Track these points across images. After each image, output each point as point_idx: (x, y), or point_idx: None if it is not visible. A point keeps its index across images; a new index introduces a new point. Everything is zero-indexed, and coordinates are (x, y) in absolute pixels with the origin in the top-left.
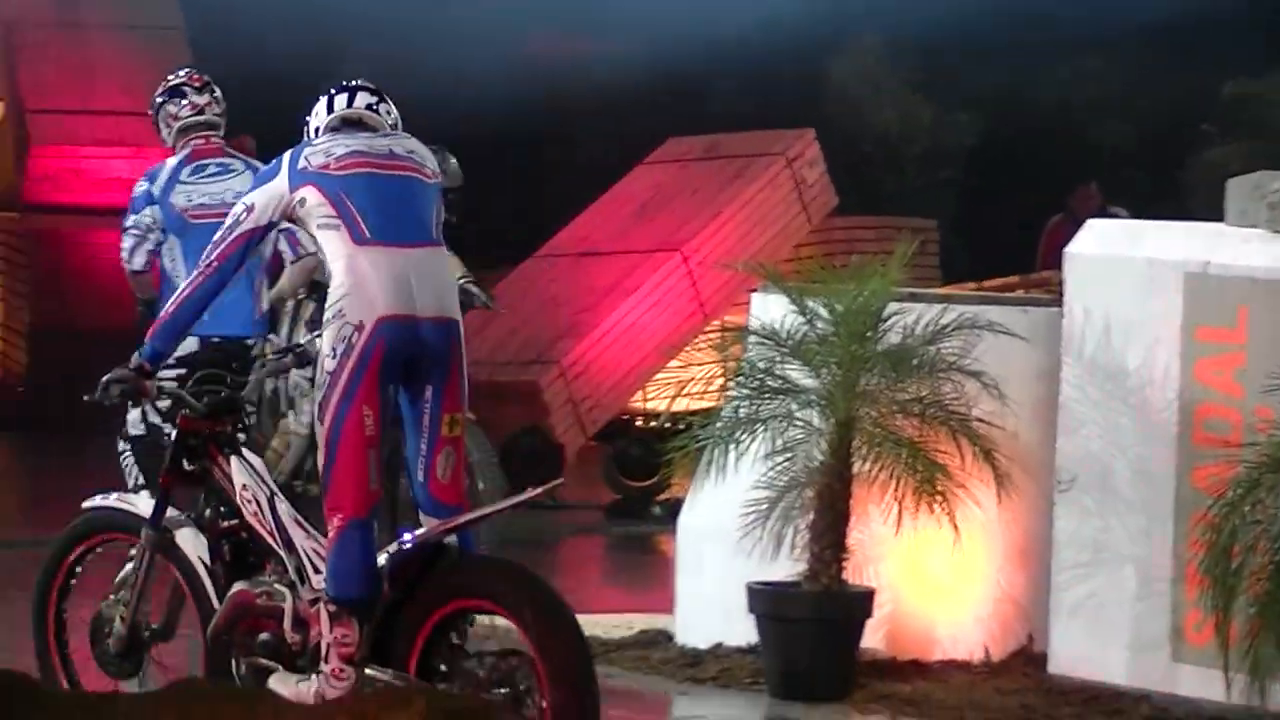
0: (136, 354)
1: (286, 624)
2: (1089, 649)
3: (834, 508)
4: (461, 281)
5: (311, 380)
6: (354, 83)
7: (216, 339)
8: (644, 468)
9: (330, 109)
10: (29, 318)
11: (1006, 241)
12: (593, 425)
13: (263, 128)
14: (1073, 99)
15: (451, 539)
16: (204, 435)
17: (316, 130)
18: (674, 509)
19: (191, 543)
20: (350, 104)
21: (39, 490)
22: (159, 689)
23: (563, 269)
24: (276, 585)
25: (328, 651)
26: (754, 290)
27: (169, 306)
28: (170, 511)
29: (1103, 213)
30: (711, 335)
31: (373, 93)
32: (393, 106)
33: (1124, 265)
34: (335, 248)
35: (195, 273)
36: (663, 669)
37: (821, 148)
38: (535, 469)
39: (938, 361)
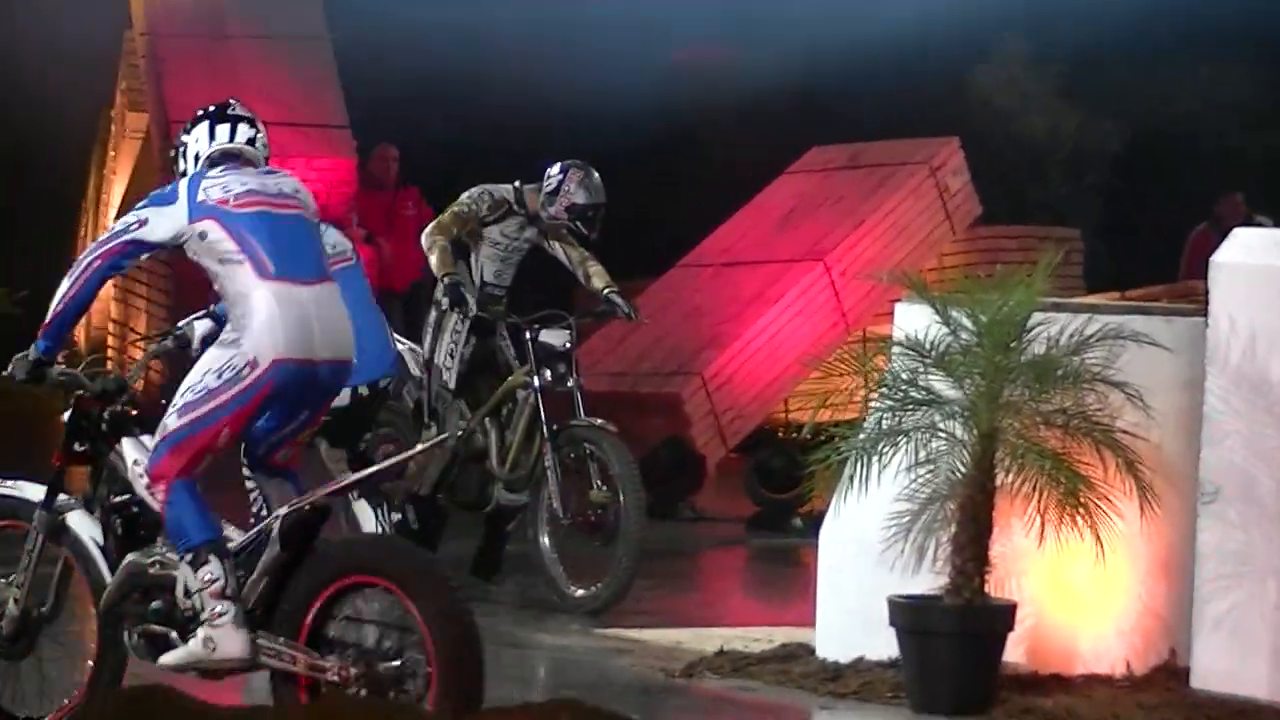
0: (34, 347)
1: (179, 591)
2: (1231, 663)
3: (976, 520)
4: (606, 292)
5: (453, 391)
6: (233, 112)
7: (363, 389)
8: (785, 480)
9: (212, 138)
10: (170, 328)
11: (1151, 250)
12: (734, 437)
13: (409, 138)
14: (1219, 106)
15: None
16: (97, 415)
17: (196, 157)
18: (815, 521)
19: (82, 523)
20: (232, 138)
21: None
22: (308, 704)
23: (706, 279)
24: (168, 555)
25: (203, 602)
26: (897, 300)
27: (56, 306)
28: (61, 496)
29: (1248, 222)
30: (854, 346)
31: (251, 124)
32: (266, 138)
33: (1270, 275)
34: (240, 282)
35: (78, 272)
36: (803, 682)
37: (965, 156)
38: (676, 480)
39: (1081, 372)
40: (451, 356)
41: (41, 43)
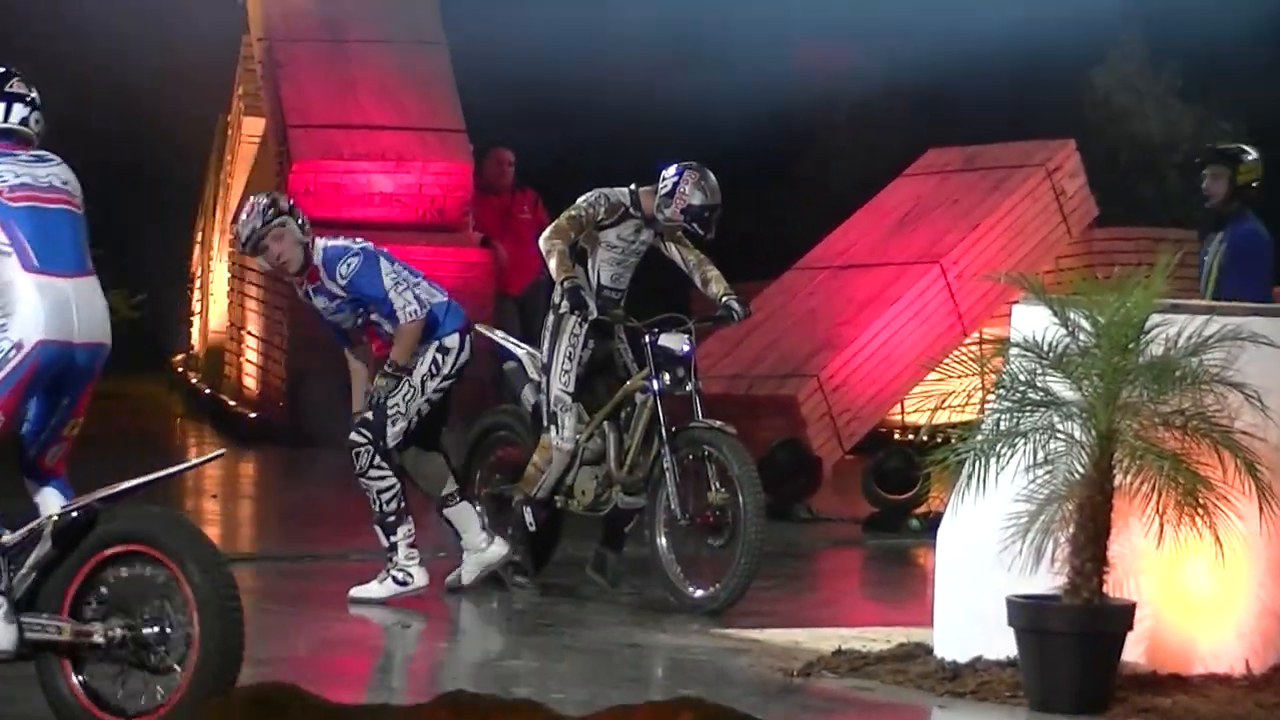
0: None
1: None
2: None
3: (1095, 521)
4: (725, 299)
5: (571, 395)
6: (9, 89)
7: None
8: (902, 481)
9: None
10: (288, 331)
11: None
12: (850, 438)
13: (524, 143)
14: None
15: None
16: None
17: None
18: (933, 522)
19: None
20: (7, 117)
21: (298, 505)
22: (430, 700)
23: (822, 281)
24: None
25: None
26: (1014, 302)
27: None
28: None
29: None
30: (971, 348)
31: (27, 103)
32: (41, 116)
33: None
34: (7, 272)
35: None
36: (921, 682)
37: (1082, 158)
38: (793, 482)
39: (1200, 373)
40: (570, 360)
41: (159, 50)
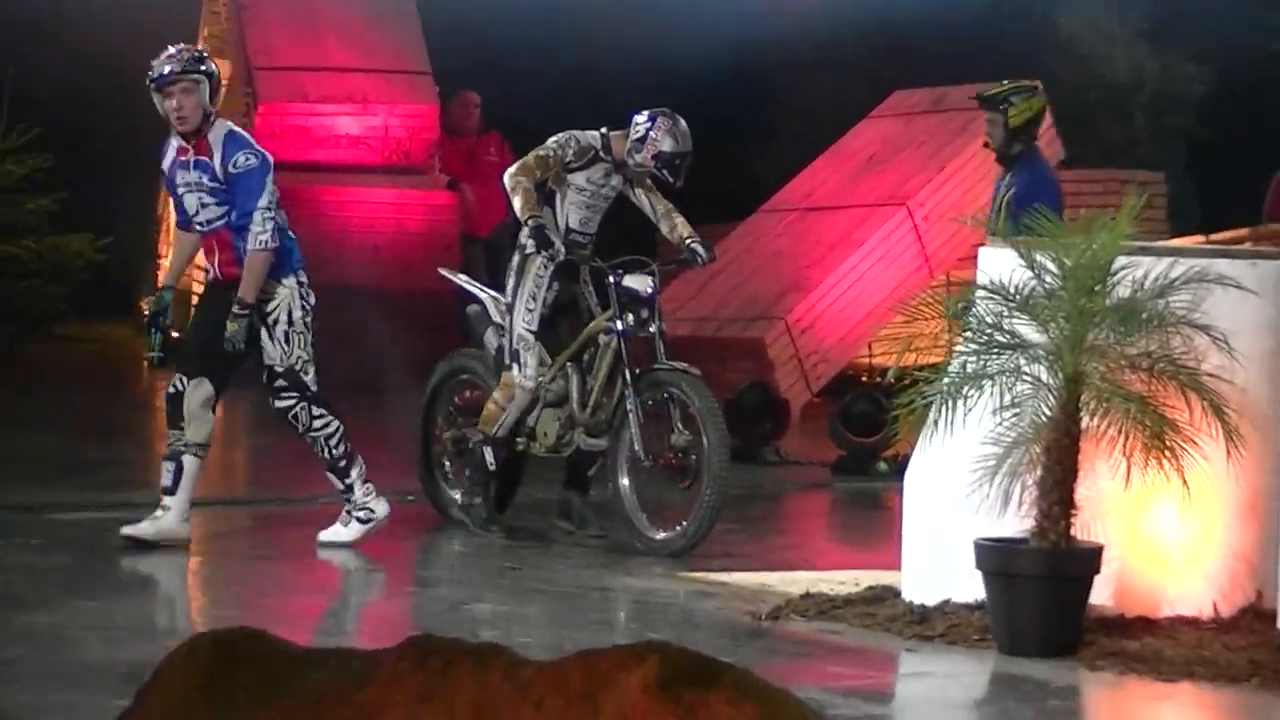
0: None
1: None
2: None
3: (1062, 463)
4: (689, 241)
5: (534, 334)
6: None
7: None
8: (870, 424)
9: None
10: None
11: (1235, 193)
12: (818, 381)
13: (490, 85)
14: None
15: None
16: None
17: None
18: (900, 465)
19: None
20: None
21: (265, 449)
22: (396, 645)
23: (788, 224)
24: None
25: None
26: (981, 245)
27: None
28: None
29: None
30: (938, 290)
31: None
32: None
33: None
34: None
35: None
36: (890, 626)
37: (1048, 99)
38: (761, 425)
39: (1166, 316)
40: (534, 299)
41: None
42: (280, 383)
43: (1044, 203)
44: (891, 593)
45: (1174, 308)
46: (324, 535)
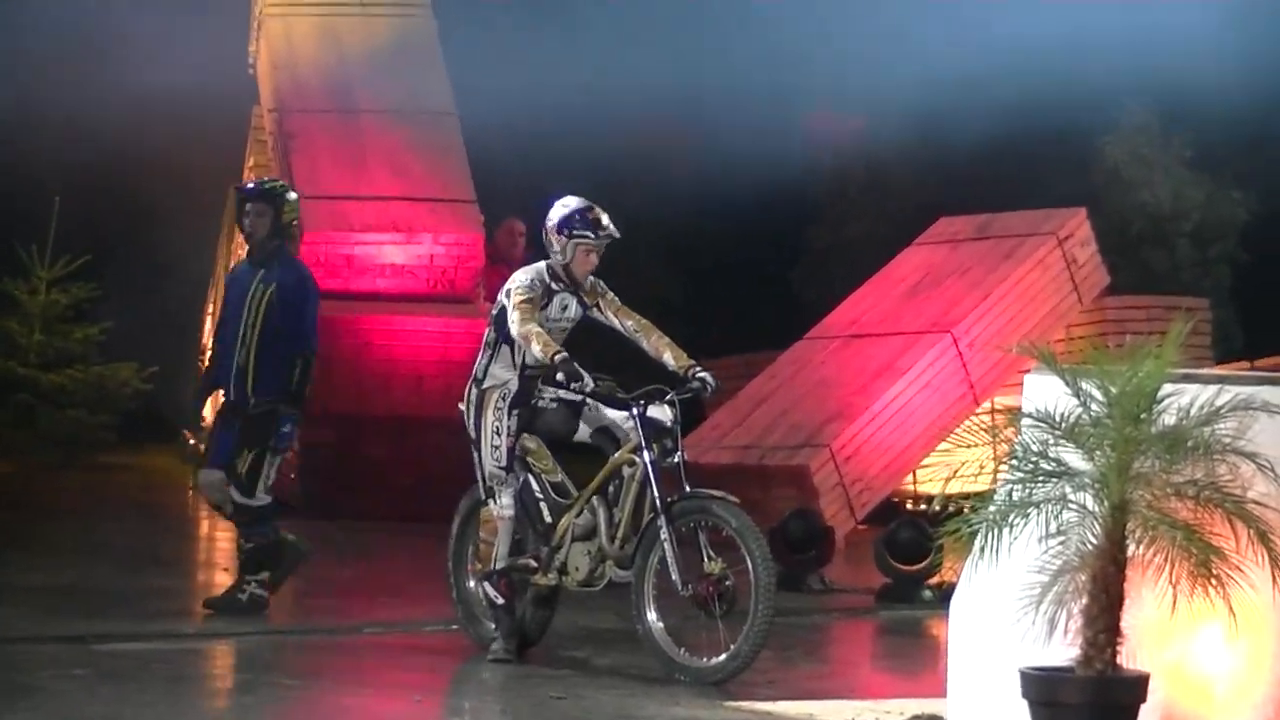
0: None
1: None
2: None
3: (1108, 592)
4: (691, 372)
5: (506, 470)
6: None
7: None
8: (915, 551)
9: None
10: None
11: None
12: (863, 508)
13: (535, 213)
14: None
15: None
16: None
17: None
18: (946, 593)
19: None
20: None
21: (311, 578)
22: None
23: (833, 351)
24: None
25: None
26: (1026, 372)
27: None
28: None
29: None
30: (983, 418)
31: None
32: None
33: None
34: None
35: None
36: None
37: (1092, 226)
38: (805, 551)
39: (1212, 443)
40: (499, 435)
41: (170, 121)
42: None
43: (309, 302)
44: None
45: (1220, 435)
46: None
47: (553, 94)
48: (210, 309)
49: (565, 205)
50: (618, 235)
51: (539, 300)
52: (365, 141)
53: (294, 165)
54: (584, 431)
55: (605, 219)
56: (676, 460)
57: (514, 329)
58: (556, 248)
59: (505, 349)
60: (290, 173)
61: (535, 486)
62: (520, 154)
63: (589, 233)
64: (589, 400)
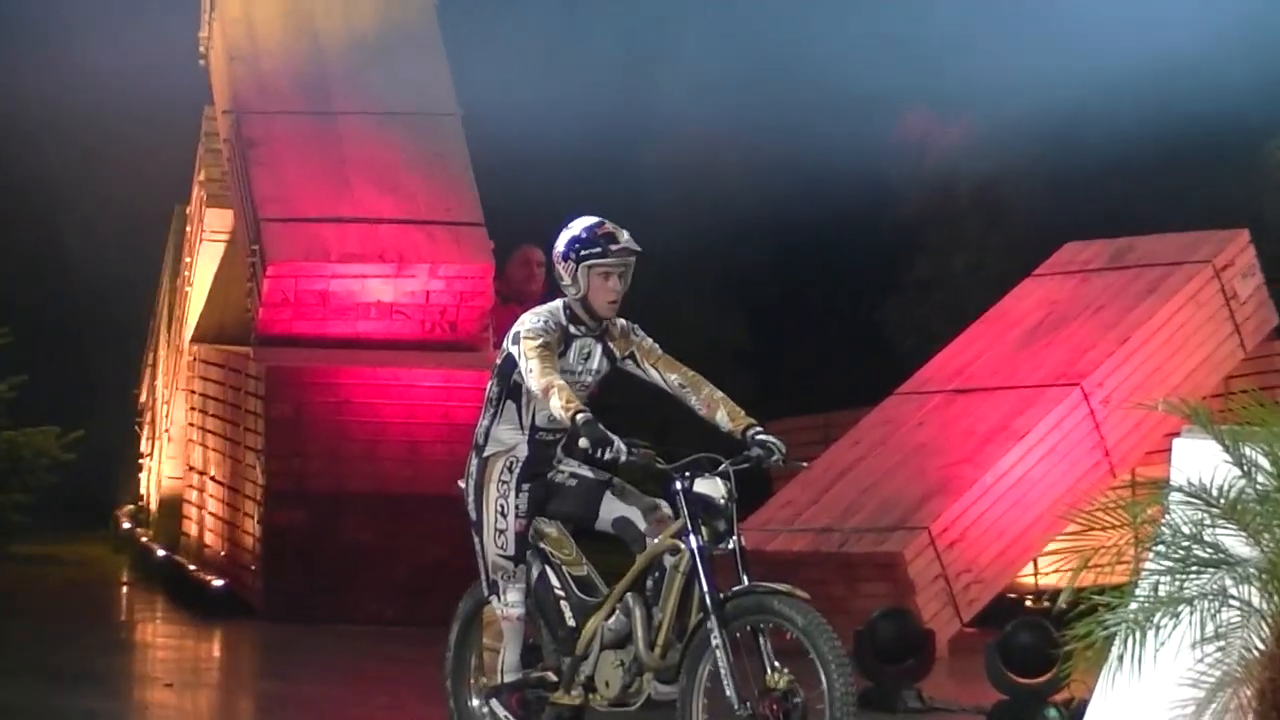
0: None
1: None
2: None
3: (1278, 709)
4: (751, 433)
5: (513, 559)
6: None
7: None
8: (1037, 660)
9: None
10: (264, 479)
11: None
12: (971, 607)
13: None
14: None
15: None
16: None
17: None
18: (1075, 712)
19: None
20: None
21: (274, 697)
22: None
23: (934, 409)
24: None
25: None
26: (1174, 435)
27: None
28: None
29: None
30: (1121, 492)
31: None
32: None
33: None
34: None
35: None
36: None
37: (1258, 252)
38: (899, 661)
39: None
40: (503, 515)
41: (99, 124)
42: None
43: None
44: None
45: None
46: None
47: (583, 93)
48: (150, 357)
49: (570, 228)
50: (638, 249)
51: (555, 346)
52: (345, 150)
53: (255, 179)
54: (604, 519)
55: (623, 234)
56: (732, 546)
57: (530, 381)
58: (567, 279)
59: (510, 406)
60: (250, 188)
61: (555, 581)
62: (540, 167)
63: (598, 249)
64: (615, 480)
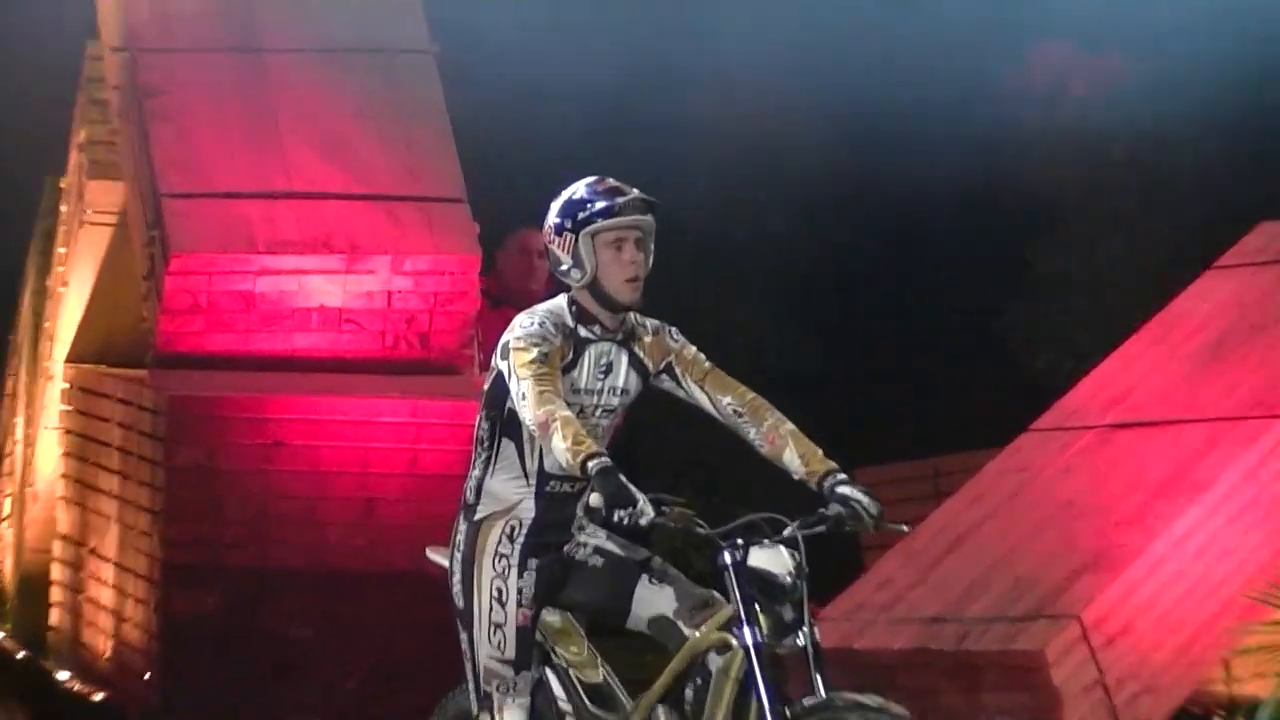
0: None
1: None
2: None
3: None
4: (830, 482)
5: (513, 664)
6: None
7: None
8: None
9: None
10: (161, 550)
11: None
12: None
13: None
14: None
15: None
16: None
17: None
18: None
19: None
20: None
21: None
22: None
23: (1082, 452)
24: None
25: None
26: None
27: None
28: None
29: None
30: None
31: None
32: None
33: None
34: None
35: None
36: None
37: None
38: None
39: None
40: (501, 604)
41: None
42: None
43: None
44: None
45: None
46: None
47: (600, 24)
48: (8, 385)
49: (561, 195)
50: (653, 200)
51: (558, 357)
52: (277, 101)
53: (156, 141)
54: (638, 616)
55: (628, 189)
56: (802, 642)
57: (524, 412)
58: (566, 260)
59: (509, 448)
60: (149, 153)
61: (559, 691)
62: (542, 124)
63: (603, 205)
64: (654, 561)
